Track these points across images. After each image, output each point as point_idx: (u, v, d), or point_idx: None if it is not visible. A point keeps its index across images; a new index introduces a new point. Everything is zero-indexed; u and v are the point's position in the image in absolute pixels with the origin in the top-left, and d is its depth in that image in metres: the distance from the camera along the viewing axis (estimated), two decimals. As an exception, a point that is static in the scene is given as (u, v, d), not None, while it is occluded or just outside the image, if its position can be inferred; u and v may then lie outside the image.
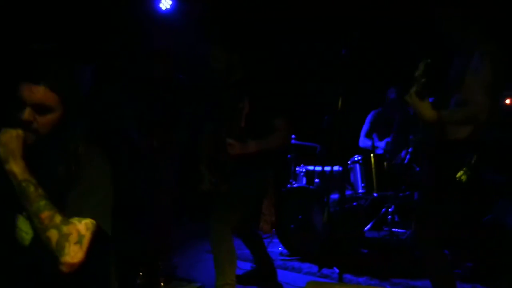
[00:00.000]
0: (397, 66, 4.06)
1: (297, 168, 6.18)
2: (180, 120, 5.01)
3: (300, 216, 5.46)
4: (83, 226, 1.97)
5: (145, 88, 5.19)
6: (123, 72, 6.37)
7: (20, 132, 1.99)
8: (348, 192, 5.71)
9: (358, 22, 5.05)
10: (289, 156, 6.23)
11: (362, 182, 5.60)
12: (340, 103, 3.82)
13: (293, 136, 6.09)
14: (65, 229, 1.92)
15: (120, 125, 5.34)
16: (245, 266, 4.91)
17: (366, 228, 5.49)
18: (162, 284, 4.18)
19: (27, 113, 2.01)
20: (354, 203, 5.63)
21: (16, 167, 1.95)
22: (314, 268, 5.07)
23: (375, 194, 5.46)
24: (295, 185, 5.88)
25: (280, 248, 5.67)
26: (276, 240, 5.76)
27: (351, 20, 5.77)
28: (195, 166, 4.31)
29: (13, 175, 1.94)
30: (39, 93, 2.03)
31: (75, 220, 1.96)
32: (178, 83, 5.12)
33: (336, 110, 3.85)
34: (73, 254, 1.94)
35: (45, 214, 1.92)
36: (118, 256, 4.66)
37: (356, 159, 5.64)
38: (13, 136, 1.98)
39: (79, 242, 1.96)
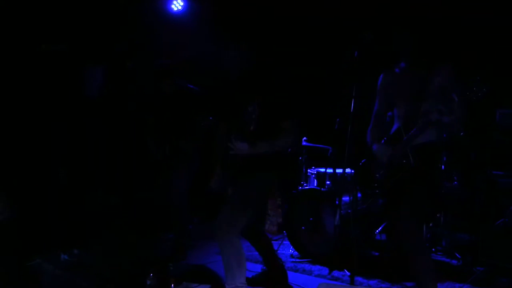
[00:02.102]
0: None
1: (308, 170, 6.16)
2: (192, 127, 5.05)
3: (311, 218, 5.45)
4: None
5: (157, 98, 5.24)
6: (134, 74, 6.41)
7: None
8: (359, 195, 5.68)
9: (371, 23, 5.03)
10: (300, 158, 6.21)
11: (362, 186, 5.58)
12: (352, 105, 3.80)
13: (304, 138, 6.07)
14: None
15: (136, 134, 5.41)
16: (255, 268, 4.90)
17: (377, 231, 5.45)
18: (172, 285, 4.17)
19: None
20: (365, 206, 5.60)
21: None
22: (325, 270, 5.05)
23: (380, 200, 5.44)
24: (306, 187, 5.86)
25: (290, 250, 5.65)
26: (286, 242, 5.74)
27: (364, 21, 5.75)
28: (207, 169, 4.31)
29: None
30: None
31: None
32: (188, 92, 5.16)
33: (348, 112, 3.84)
34: None
35: None
36: (129, 257, 4.69)
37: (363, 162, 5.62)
38: None
39: None
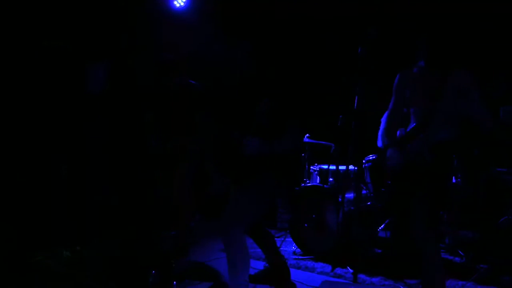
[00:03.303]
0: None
1: (311, 167, 6.15)
2: (194, 125, 5.03)
3: (313, 215, 5.44)
4: None
5: (159, 95, 5.23)
6: (136, 71, 6.39)
7: None
8: (362, 192, 5.67)
9: (375, 19, 5.02)
10: (303, 154, 6.20)
11: (373, 183, 5.56)
12: (356, 102, 3.79)
13: (307, 134, 6.06)
14: None
15: (139, 132, 5.40)
16: (258, 265, 4.90)
17: (379, 228, 5.44)
18: (174, 282, 4.17)
19: None
20: (368, 203, 5.58)
21: None
22: (328, 267, 5.04)
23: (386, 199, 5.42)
24: (309, 184, 5.85)
25: (293, 247, 5.65)
26: (289, 239, 5.73)
27: (367, 17, 5.73)
28: (208, 167, 4.31)
29: None
30: None
31: None
32: (191, 88, 5.14)
33: (351, 109, 3.82)
34: None
35: None
36: (132, 255, 4.69)
37: (370, 158, 5.60)
38: None
39: None
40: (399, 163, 3.78)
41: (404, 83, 3.89)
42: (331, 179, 5.79)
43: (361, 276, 4.73)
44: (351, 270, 4.85)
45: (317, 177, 6.02)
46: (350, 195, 5.51)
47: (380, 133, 4.12)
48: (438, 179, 3.68)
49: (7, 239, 4.80)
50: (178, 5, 6.82)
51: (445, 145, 3.65)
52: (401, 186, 3.93)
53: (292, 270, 4.63)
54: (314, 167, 6.10)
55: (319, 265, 5.14)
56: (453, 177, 5.36)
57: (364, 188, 5.70)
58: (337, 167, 5.70)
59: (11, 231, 5.01)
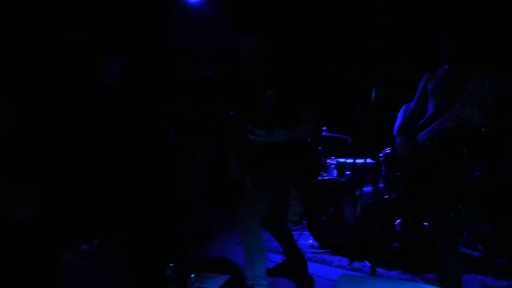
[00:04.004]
0: (432, 56, 3.99)
1: (327, 160, 6.13)
2: (210, 115, 5.04)
3: (331, 209, 5.42)
4: None
5: (175, 86, 5.23)
6: (151, 64, 6.40)
7: None
8: (379, 185, 5.65)
9: (392, 11, 4.98)
10: (319, 148, 6.18)
11: (389, 175, 5.54)
12: (373, 94, 3.77)
13: (324, 128, 6.04)
14: None
15: (156, 123, 5.41)
16: (275, 258, 4.89)
17: (397, 221, 5.41)
18: (192, 275, 4.17)
19: None
20: (386, 196, 5.55)
21: None
22: (345, 261, 5.03)
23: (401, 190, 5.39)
24: (326, 177, 5.83)
25: (310, 241, 5.64)
26: (306, 233, 5.73)
27: (385, 9, 5.68)
28: (225, 158, 4.31)
29: None
30: None
31: None
32: (206, 79, 5.14)
33: (368, 102, 3.80)
34: None
35: None
36: (150, 249, 4.70)
37: (387, 151, 5.57)
38: None
39: None
40: (408, 152, 3.83)
41: (427, 84, 4.07)
42: (348, 172, 5.76)
43: (379, 270, 4.71)
44: (368, 264, 4.84)
45: (334, 171, 6.00)
46: (367, 189, 5.49)
47: (396, 124, 4.16)
48: (447, 168, 3.70)
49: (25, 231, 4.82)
50: (193, -1, 6.83)
51: (451, 133, 3.70)
52: (409, 176, 3.95)
53: (309, 264, 4.63)
54: (331, 161, 6.07)
55: (336, 259, 5.13)
56: (473, 170, 5.33)
57: (382, 181, 5.67)
58: (354, 160, 5.69)
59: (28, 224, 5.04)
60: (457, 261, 3.61)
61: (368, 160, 5.67)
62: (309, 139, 5.23)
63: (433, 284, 3.94)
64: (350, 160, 5.75)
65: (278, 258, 4.84)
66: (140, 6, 6.53)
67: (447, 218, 3.75)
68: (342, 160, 5.90)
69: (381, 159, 5.64)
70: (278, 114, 3.70)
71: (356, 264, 4.94)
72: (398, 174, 4.04)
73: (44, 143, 5.45)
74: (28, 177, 3.40)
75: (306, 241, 5.73)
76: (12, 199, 2.84)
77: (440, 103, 3.83)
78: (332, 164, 6.02)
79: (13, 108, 3.40)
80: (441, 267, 3.65)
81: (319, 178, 5.91)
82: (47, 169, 5.40)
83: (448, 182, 3.69)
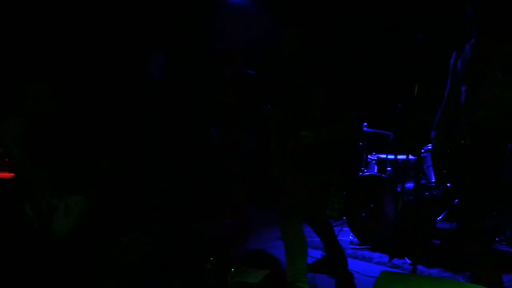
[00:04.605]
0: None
1: (369, 156, 6.09)
2: (252, 113, 5.07)
3: (371, 205, 5.39)
4: None
5: (216, 84, 5.27)
6: (193, 60, 6.45)
7: None
8: (421, 182, 5.59)
9: (435, 6, 4.91)
10: (360, 144, 6.15)
11: (434, 171, 5.47)
12: (416, 90, 3.73)
13: (365, 123, 6.01)
14: None
15: (195, 119, 5.45)
16: (315, 254, 4.89)
17: (438, 219, 5.35)
18: (232, 270, 4.20)
19: None
20: (427, 193, 5.49)
21: None
22: (385, 257, 5.00)
23: (448, 184, 5.31)
24: (367, 173, 5.80)
25: (350, 237, 5.62)
26: (346, 229, 5.71)
27: (427, 4, 5.61)
28: (265, 155, 4.32)
29: None
30: None
31: None
32: (248, 78, 5.17)
33: (411, 97, 3.77)
34: None
35: None
36: (190, 242, 4.75)
37: (429, 147, 5.51)
38: None
39: None
40: (442, 147, 3.66)
41: (456, 63, 3.74)
42: (389, 168, 5.72)
43: (419, 267, 4.66)
44: (408, 261, 4.79)
45: (375, 167, 5.96)
46: (408, 185, 5.44)
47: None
48: (481, 164, 3.45)
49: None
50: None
51: (485, 124, 3.41)
52: (446, 172, 3.83)
53: (349, 260, 4.63)
54: (372, 156, 6.04)
55: (376, 255, 5.10)
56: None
57: (423, 177, 5.61)
58: (395, 156, 5.64)
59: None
60: (490, 259, 3.50)
61: (410, 156, 5.62)
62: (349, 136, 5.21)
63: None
64: (391, 156, 5.71)
65: (318, 254, 4.84)
66: (182, 2, 6.59)
67: (480, 216, 3.54)
68: (383, 156, 5.86)
69: (423, 155, 5.58)
70: (325, 114, 3.69)
71: (396, 261, 4.90)
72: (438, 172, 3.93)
73: (85, 135, 5.55)
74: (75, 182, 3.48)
75: (346, 237, 5.71)
76: (52, 212, 2.95)
77: (470, 85, 3.52)
78: (373, 160, 5.99)
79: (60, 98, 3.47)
80: (472, 264, 3.56)
81: (360, 174, 5.88)
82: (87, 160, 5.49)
83: (483, 180, 3.45)
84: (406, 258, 4.89)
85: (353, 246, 5.43)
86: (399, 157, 5.62)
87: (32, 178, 3.14)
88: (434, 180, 5.45)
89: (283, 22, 4.22)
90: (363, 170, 6.07)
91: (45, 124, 3.42)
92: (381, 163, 5.86)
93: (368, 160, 6.08)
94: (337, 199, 6.71)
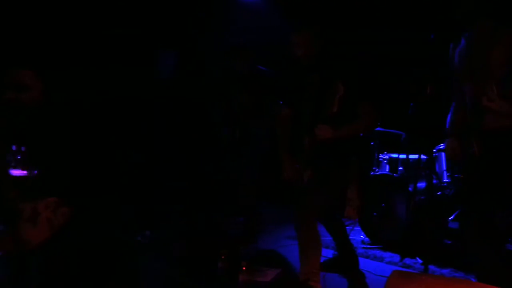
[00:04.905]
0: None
1: (380, 156, 6.08)
2: (263, 111, 5.07)
3: (382, 204, 5.38)
4: None
5: (229, 81, 5.28)
6: (205, 59, 6.46)
7: None
8: (433, 182, 5.57)
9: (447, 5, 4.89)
10: (372, 143, 6.14)
11: (447, 171, 5.45)
12: (428, 89, 3.71)
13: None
14: None
15: (207, 116, 5.46)
16: (327, 253, 4.89)
17: (450, 218, 5.33)
18: (243, 268, 4.21)
19: None
20: (439, 193, 5.47)
21: None
22: (396, 257, 4.99)
23: (460, 184, 5.29)
24: (378, 173, 5.79)
25: (362, 236, 5.62)
26: (358, 228, 5.70)
27: (439, 3, 5.58)
28: (278, 152, 4.32)
29: None
30: None
31: None
32: (261, 75, 5.17)
33: (423, 97, 3.75)
34: None
35: None
36: (202, 241, 4.76)
37: (441, 147, 5.49)
38: None
39: None
40: (455, 155, 3.46)
41: (452, 59, 3.44)
42: (400, 168, 5.71)
43: (431, 267, 4.63)
44: (420, 261, 4.78)
45: (386, 166, 5.95)
46: (420, 185, 5.42)
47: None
48: (487, 175, 3.12)
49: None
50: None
51: (499, 132, 3.05)
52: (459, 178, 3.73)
53: (360, 259, 4.63)
54: (384, 156, 6.03)
55: (387, 255, 5.10)
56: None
57: (435, 177, 5.59)
58: (407, 156, 5.63)
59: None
60: (496, 261, 3.36)
61: (422, 156, 5.60)
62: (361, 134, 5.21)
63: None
64: (403, 156, 5.70)
65: (330, 253, 4.84)
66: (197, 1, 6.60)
67: (489, 219, 3.24)
68: (394, 155, 5.85)
69: (435, 154, 5.56)
70: (343, 110, 3.68)
71: (407, 260, 4.89)
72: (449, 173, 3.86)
73: (98, 135, 5.56)
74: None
75: (358, 236, 5.70)
76: (16, 218, 2.44)
77: (471, 85, 3.18)
78: (385, 159, 5.98)
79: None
80: (478, 265, 3.49)
81: (372, 173, 5.88)
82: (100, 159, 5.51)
83: (494, 191, 3.15)
84: (418, 258, 4.88)
85: (365, 246, 5.43)
86: (411, 156, 5.60)
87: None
88: (446, 180, 5.43)
89: (297, 20, 4.20)
90: (375, 169, 6.06)
91: (30, 114, 3.13)
92: (393, 162, 5.86)
93: (380, 159, 6.07)
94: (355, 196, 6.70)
